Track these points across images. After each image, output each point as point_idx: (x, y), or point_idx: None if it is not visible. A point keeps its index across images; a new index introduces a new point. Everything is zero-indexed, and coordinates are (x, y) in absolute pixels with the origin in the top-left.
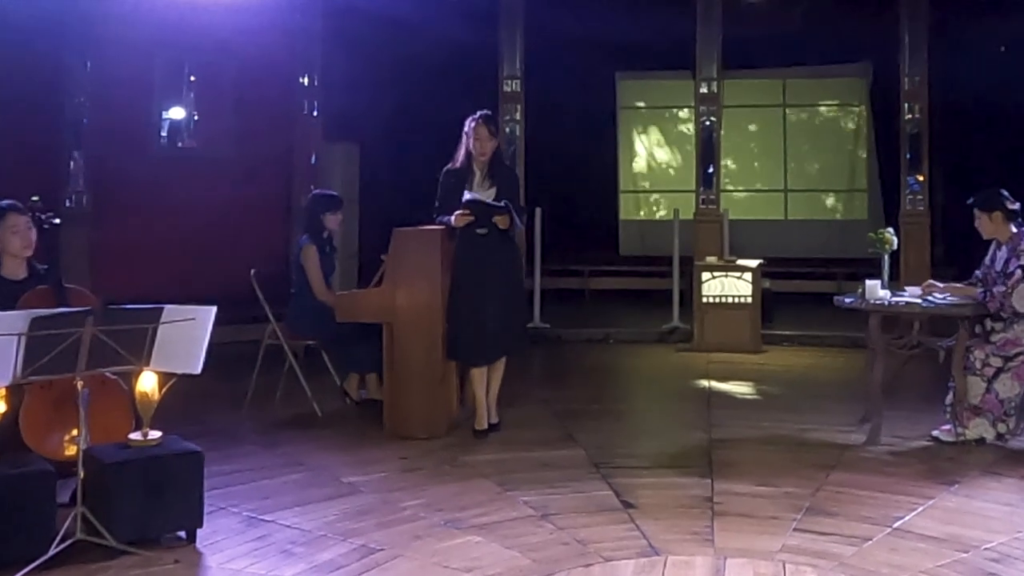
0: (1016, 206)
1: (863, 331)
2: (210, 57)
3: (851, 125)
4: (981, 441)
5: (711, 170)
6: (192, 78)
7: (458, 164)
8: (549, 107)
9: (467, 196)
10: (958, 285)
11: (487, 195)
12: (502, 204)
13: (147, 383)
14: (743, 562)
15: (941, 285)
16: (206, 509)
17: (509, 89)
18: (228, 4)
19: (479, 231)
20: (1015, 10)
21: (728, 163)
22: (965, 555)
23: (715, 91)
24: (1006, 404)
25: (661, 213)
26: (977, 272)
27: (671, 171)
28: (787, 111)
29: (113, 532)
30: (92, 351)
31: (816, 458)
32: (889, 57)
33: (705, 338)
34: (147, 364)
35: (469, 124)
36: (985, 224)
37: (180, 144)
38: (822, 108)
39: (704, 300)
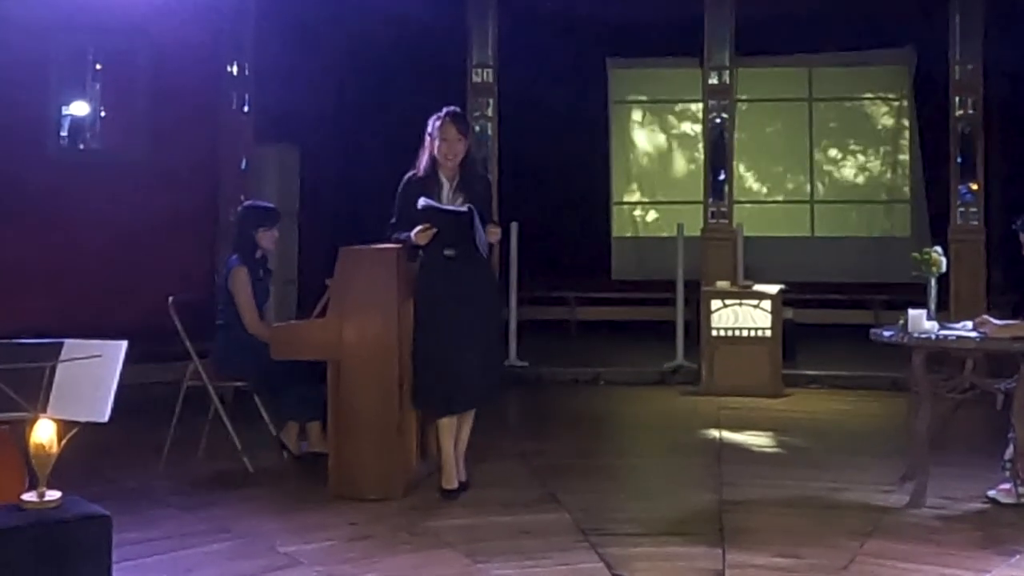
0: None
1: (905, 371)
2: (119, 41)
3: (891, 123)
4: None
5: (722, 177)
6: (98, 66)
7: (421, 172)
8: (527, 101)
9: (422, 202)
10: (1017, 322)
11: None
12: (464, 209)
13: (44, 433)
14: None
15: (997, 322)
16: None
17: (479, 80)
18: None
19: (446, 252)
20: None
21: (743, 169)
22: None
23: (727, 82)
24: None
25: (662, 229)
26: None
27: (674, 178)
28: (814, 106)
29: None
30: None
31: (849, 523)
32: (937, 41)
33: (715, 379)
34: (43, 410)
35: (433, 123)
36: None
37: (83, 145)
38: (856, 103)
39: (714, 333)
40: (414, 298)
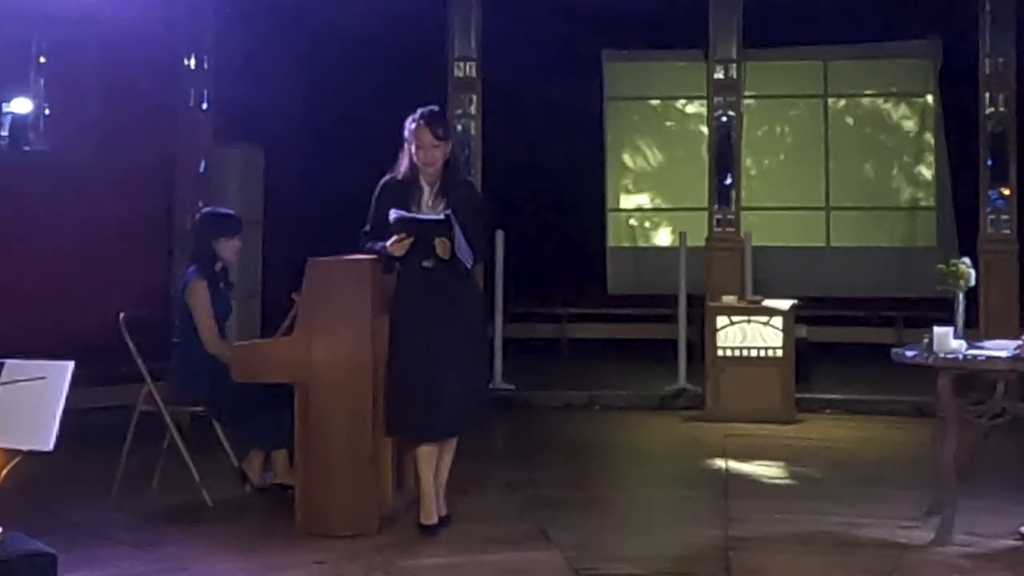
0: None
1: (930, 394)
2: (67, 32)
3: (914, 122)
4: None
5: (729, 181)
6: (42, 59)
7: (400, 176)
8: (514, 98)
9: (393, 215)
10: None
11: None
12: (442, 217)
13: None
14: None
15: None
16: None
17: (462, 74)
18: None
19: (425, 264)
20: None
21: (751, 172)
22: None
23: (734, 77)
24: None
25: (663, 238)
26: None
27: (675, 183)
28: (829, 103)
29: None
30: None
31: (868, 562)
32: (965, 32)
33: (721, 404)
34: None
35: (409, 126)
36: None
37: (27, 146)
38: (876, 99)
39: (719, 353)
40: (390, 314)
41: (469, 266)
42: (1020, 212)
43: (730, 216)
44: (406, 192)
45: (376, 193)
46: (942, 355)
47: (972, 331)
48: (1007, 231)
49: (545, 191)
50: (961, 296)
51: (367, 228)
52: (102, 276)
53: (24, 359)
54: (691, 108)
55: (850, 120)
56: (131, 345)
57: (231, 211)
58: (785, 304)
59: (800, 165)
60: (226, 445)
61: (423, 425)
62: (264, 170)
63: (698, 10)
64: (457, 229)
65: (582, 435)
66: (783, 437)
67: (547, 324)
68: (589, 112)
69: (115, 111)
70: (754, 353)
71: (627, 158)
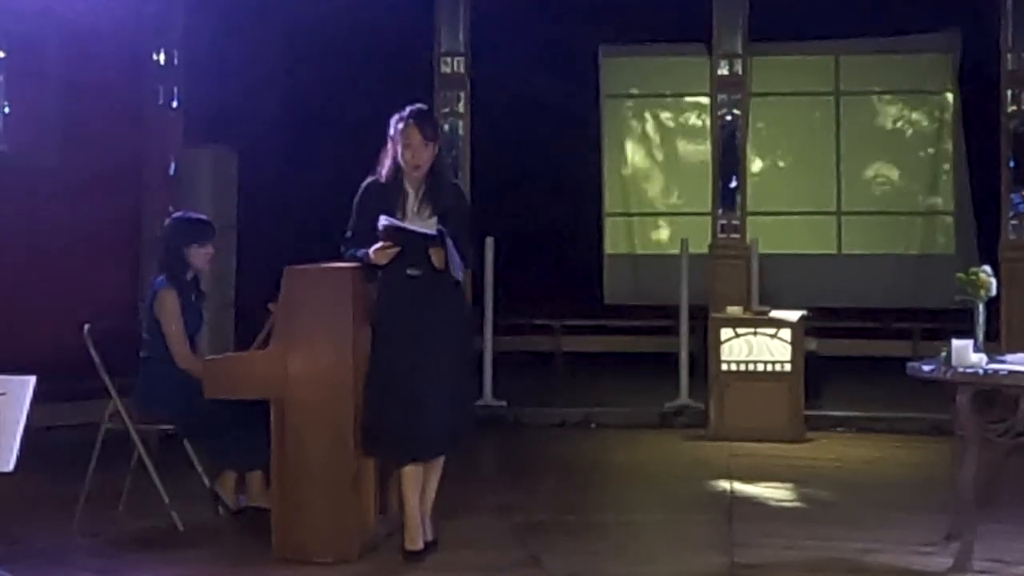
0: None
1: (948, 411)
2: (27, 24)
3: (931, 121)
4: None
5: (734, 184)
6: (1, 54)
7: (383, 179)
8: (505, 96)
9: (383, 221)
10: None
11: (426, 224)
12: (434, 232)
13: None
14: None
15: None
16: None
17: (449, 70)
18: None
19: (410, 272)
20: None
21: (758, 174)
22: None
23: (739, 73)
24: None
25: (663, 244)
26: None
27: (677, 186)
28: (841, 101)
29: None
30: None
31: None
32: (986, 24)
33: (725, 421)
34: None
35: (395, 125)
36: None
37: None
38: (891, 97)
39: (723, 368)
40: (372, 325)
41: (459, 277)
42: None
43: (735, 221)
44: (390, 196)
45: (358, 197)
46: (961, 370)
47: (993, 344)
48: None
49: (538, 194)
50: (981, 307)
51: (348, 234)
52: (65, 285)
53: None
54: (693, 106)
55: (863, 119)
56: (96, 359)
57: (203, 216)
58: (793, 315)
59: (809, 167)
60: (197, 465)
61: (407, 444)
62: (238, 172)
63: (701, 1)
64: (450, 244)
65: (577, 455)
66: (791, 457)
67: (540, 336)
68: (585, 110)
69: (79, 109)
70: (760, 367)
71: (625, 159)
